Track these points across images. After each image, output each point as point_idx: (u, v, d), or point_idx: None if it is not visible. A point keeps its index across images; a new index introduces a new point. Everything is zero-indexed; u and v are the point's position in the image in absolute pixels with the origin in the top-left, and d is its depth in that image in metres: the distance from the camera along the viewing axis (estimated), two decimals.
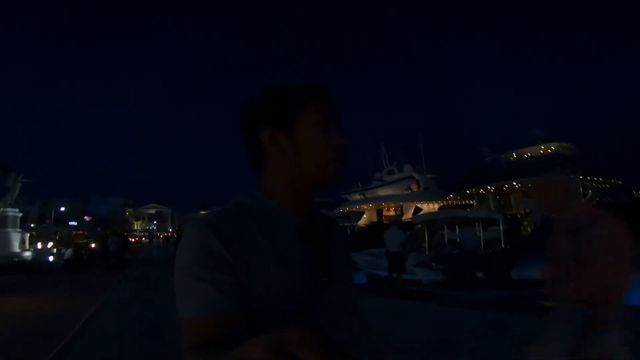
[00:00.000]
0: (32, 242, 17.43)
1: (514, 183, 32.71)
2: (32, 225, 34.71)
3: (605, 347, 1.46)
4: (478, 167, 37.95)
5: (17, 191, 15.94)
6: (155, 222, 74.11)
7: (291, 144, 0.65)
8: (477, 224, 16.88)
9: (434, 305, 5.20)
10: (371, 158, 49.59)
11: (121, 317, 5.64)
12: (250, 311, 0.57)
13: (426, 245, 16.26)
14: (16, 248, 14.79)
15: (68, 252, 15.41)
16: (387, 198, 41.97)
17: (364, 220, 40.37)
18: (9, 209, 14.98)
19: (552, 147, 37.83)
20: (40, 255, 15.19)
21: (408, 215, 35.50)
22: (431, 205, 38.88)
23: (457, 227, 18.40)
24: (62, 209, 50.61)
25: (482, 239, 16.10)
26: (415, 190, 41.28)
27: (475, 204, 36.59)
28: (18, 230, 15.38)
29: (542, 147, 38.20)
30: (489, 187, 34.06)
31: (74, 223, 49.62)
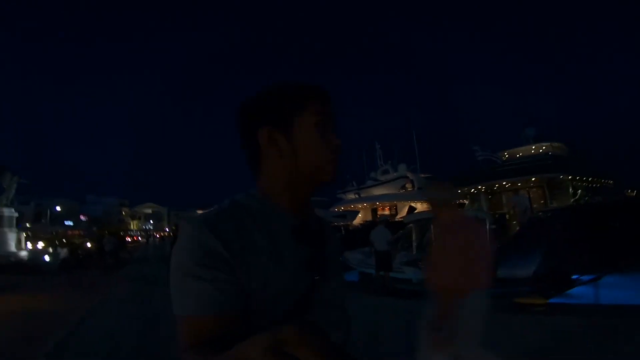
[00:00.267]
0: (28, 242, 17.59)
1: (504, 182, 33.21)
2: (27, 225, 34.73)
3: (452, 335, 1.79)
4: (470, 166, 38.45)
5: (13, 191, 16.10)
6: (151, 221, 74.03)
7: (289, 144, 0.66)
8: None
9: (417, 302, 5.46)
10: (366, 157, 50.02)
11: (117, 315, 5.78)
12: (248, 310, 0.57)
13: (416, 244, 16.63)
14: (13, 247, 14.96)
15: (64, 252, 15.62)
16: (381, 197, 42.36)
17: (358, 220, 40.75)
18: (5, 209, 15.14)
19: (544, 147, 38.34)
20: (37, 254, 15.38)
21: (402, 214, 35.93)
22: (425, 205, 39.30)
23: None
24: (58, 208, 50.54)
25: None
26: (409, 189, 41.68)
27: (467, 203, 37.08)
28: (14, 229, 15.56)
29: (534, 147, 38.76)
30: (479, 187, 34.53)
31: (70, 223, 49.56)
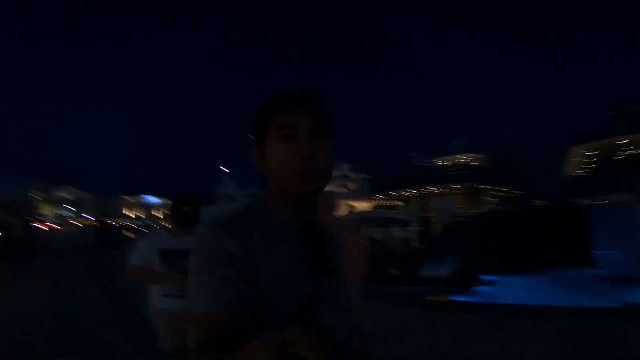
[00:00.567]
0: None
1: (433, 188, 36.52)
2: None
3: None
4: (406, 171, 41.36)
5: None
6: (69, 206, 66.75)
7: (265, 160, 0.69)
8: (395, 224, 18.71)
9: None
10: None
11: (22, 315, 5.14)
12: (259, 310, 0.60)
13: None
14: None
15: None
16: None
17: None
18: None
19: (469, 158, 42.66)
20: None
21: (341, 213, 37.32)
22: (364, 204, 41.29)
23: (380, 226, 20.05)
24: None
25: (398, 238, 17.88)
26: (350, 188, 43.35)
27: (400, 204, 39.90)
28: None
29: (462, 157, 43.00)
30: (412, 190, 37.44)
31: None
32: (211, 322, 0.56)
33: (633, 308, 3.82)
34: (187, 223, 2.17)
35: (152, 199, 68.06)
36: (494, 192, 37.84)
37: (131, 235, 22.06)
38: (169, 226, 2.24)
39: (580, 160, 23.23)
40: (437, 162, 43.52)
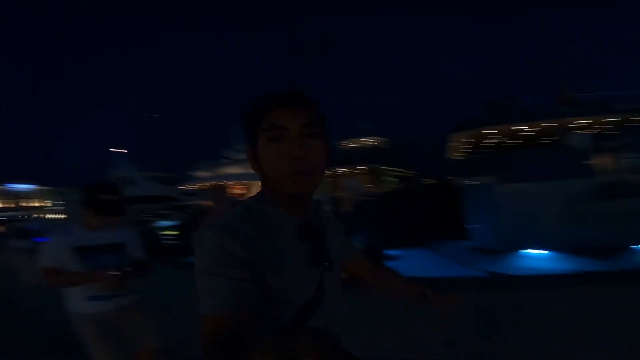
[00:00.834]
0: None
1: (342, 169, 38.84)
2: None
3: None
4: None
5: None
6: None
7: (256, 160, 0.70)
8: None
9: None
10: (224, 136, 48.52)
11: None
12: (265, 306, 0.60)
13: None
14: None
15: None
16: (234, 176, 42.22)
17: (209, 199, 39.56)
18: None
19: (372, 141, 46.33)
20: None
21: (253, 193, 36.95)
22: None
23: None
24: None
25: None
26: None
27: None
28: None
29: (365, 139, 46.47)
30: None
31: None
32: (217, 322, 0.56)
33: (497, 277, 4.24)
34: (110, 212, 2.00)
35: (21, 187, 56.91)
36: (394, 173, 42.03)
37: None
38: (86, 219, 2.03)
39: (458, 145, 26.65)
40: (345, 144, 46.11)
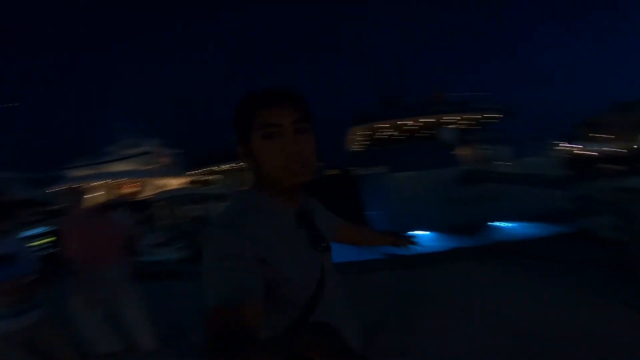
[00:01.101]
0: None
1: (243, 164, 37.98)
2: None
3: (96, 297, 2.52)
4: (224, 146, 40.83)
5: None
6: None
7: (251, 156, 0.72)
8: (215, 200, 18.33)
9: (173, 282, 5.24)
10: (108, 130, 42.14)
11: None
12: (271, 297, 0.63)
13: (167, 224, 16.17)
14: None
15: None
16: (124, 174, 37.44)
17: (91, 199, 34.22)
18: None
19: None
20: None
21: (149, 192, 33.51)
22: (176, 181, 38.42)
23: (198, 203, 19.25)
24: None
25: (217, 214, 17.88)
26: (159, 165, 39.16)
27: (220, 179, 39.55)
28: None
29: None
30: (231, 165, 37.65)
31: None
32: (222, 313, 0.57)
33: (392, 259, 4.43)
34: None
35: None
36: None
37: None
38: None
39: (356, 138, 27.97)
40: None
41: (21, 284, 1.83)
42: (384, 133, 26.33)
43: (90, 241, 2.51)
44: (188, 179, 39.57)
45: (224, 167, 38.43)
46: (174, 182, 37.98)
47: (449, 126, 21.03)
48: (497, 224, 12.64)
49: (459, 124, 24.91)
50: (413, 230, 9.44)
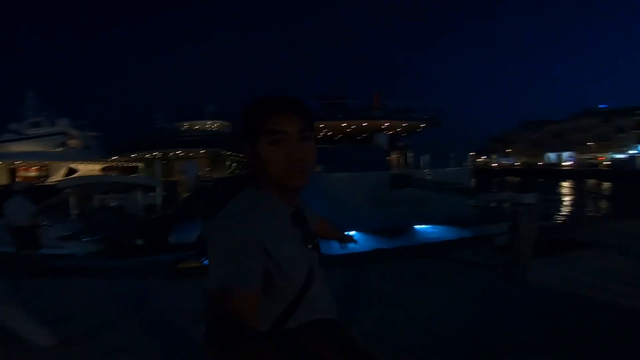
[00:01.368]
0: None
1: (178, 152, 35.60)
2: None
3: None
4: (149, 132, 37.73)
5: None
6: None
7: (257, 159, 0.77)
8: (136, 189, 16.85)
9: (84, 279, 4.65)
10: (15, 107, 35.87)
11: None
12: (265, 285, 0.68)
13: (76, 214, 14.52)
14: None
15: None
16: (26, 155, 32.48)
17: None
18: None
19: (216, 124, 44.18)
20: None
21: (57, 177, 29.63)
22: (91, 167, 34.51)
23: (118, 192, 17.62)
24: None
25: (141, 205, 16.27)
26: (72, 147, 34.77)
27: (142, 167, 36.46)
28: None
29: (209, 123, 43.88)
30: (155, 153, 34.94)
31: None
32: (224, 296, 0.60)
33: (323, 258, 4.89)
34: None
35: None
36: (235, 157, 41.41)
37: None
38: None
39: None
40: (184, 125, 42.34)
41: None
42: (321, 133, 26.91)
43: None
44: (106, 165, 35.92)
45: (147, 155, 35.40)
46: (89, 168, 34.14)
47: (383, 132, 22.22)
48: (419, 227, 13.67)
49: (393, 129, 26.52)
50: (345, 231, 9.85)
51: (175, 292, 3.81)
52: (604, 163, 48.36)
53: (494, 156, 77.30)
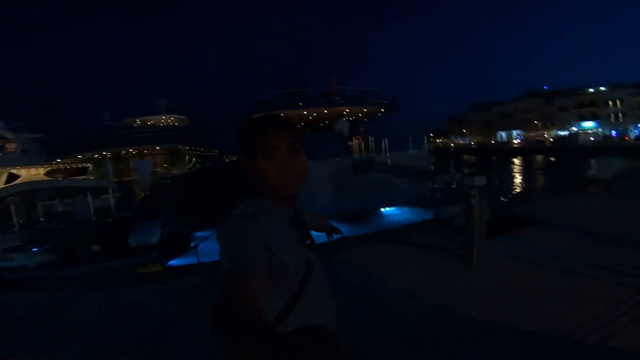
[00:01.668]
0: None
1: (131, 150, 33.48)
2: None
3: None
4: (96, 131, 35.11)
5: None
6: None
7: (254, 169, 0.88)
8: (87, 193, 15.79)
9: (36, 293, 4.23)
10: None
11: None
12: (272, 274, 0.76)
13: (21, 223, 13.45)
14: None
15: None
16: None
17: None
18: None
19: (172, 119, 42.07)
20: None
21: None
22: (33, 171, 31.72)
23: (66, 197, 16.45)
24: None
25: (94, 209, 15.34)
26: (9, 152, 31.68)
27: (90, 168, 34.00)
28: None
29: (163, 118, 41.61)
30: (105, 153, 32.69)
31: None
32: (232, 277, 0.68)
33: None
34: None
35: None
36: (193, 152, 39.75)
37: None
38: None
39: None
40: (135, 122, 39.79)
41: None
42: None
43: None
44: (51, 169, 33.14)
45: (95, 155, 32.93)
46: (32, 173, 31.35)
47: (344, 118, 22.39)
48: (383, 210, 14.03)
49: (352, 116, 26.80)
50: None
51: (138, 298, 3.60)
52: (550, 140, 52.21)
53: (452, 137, 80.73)
